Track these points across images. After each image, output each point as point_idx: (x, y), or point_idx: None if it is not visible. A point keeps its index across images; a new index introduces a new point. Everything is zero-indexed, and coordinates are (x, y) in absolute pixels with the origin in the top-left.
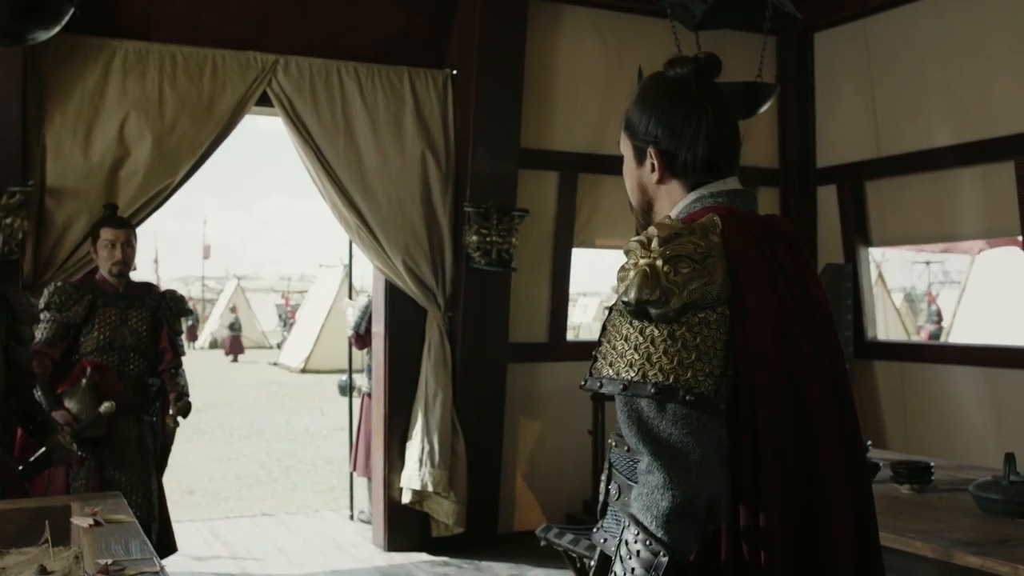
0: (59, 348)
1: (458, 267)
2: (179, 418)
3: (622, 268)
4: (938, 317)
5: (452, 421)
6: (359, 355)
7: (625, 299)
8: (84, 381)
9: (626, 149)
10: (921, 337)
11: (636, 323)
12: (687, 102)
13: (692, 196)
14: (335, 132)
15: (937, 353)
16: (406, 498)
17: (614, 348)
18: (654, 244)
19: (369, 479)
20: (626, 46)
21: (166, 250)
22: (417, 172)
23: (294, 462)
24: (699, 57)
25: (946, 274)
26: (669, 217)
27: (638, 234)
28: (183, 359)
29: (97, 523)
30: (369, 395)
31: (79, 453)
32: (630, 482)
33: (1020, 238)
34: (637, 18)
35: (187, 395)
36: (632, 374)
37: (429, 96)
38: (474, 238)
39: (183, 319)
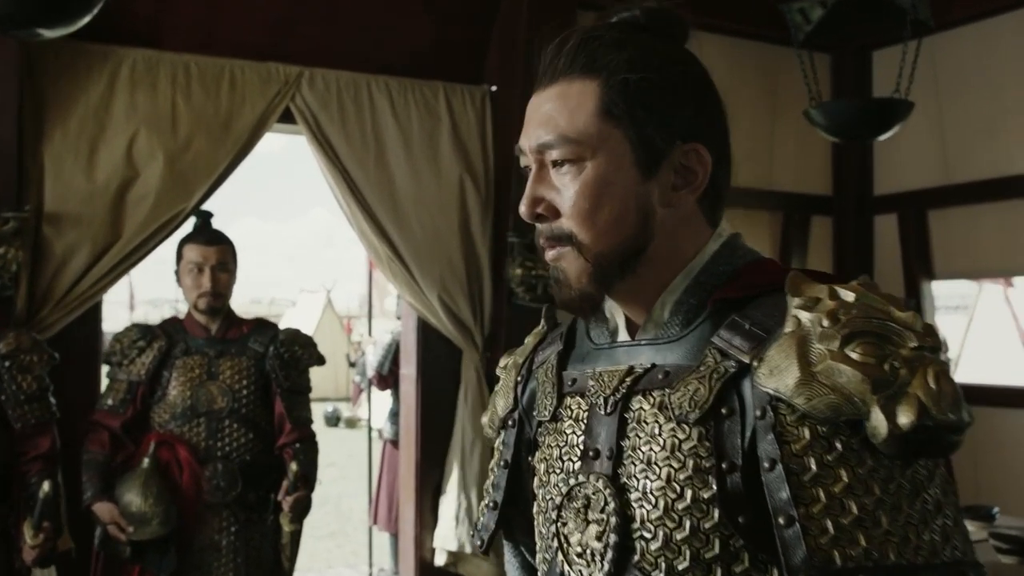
0: (122, 416)
1: (498, 303)
2: (292, 520)
3: (859, 364)
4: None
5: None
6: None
7: (925, 422)
8: (146, 462)
9: (605, 143)
10: None
11: (900, 465)
12: (711, 83)
13: (723, 237)
14: (364, 153)
15: (1010, 397)
16: (439, 559)
17: (871, 514)
18: (916, 323)
19: (393, 535)
20: None
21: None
22: (455, 198)
23: None
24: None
25: (945, 298)
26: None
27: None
28: (313, 430)
29: None
30: (393, 442)
31: (131, 561)
32: None
33: None
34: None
35: (303, 487)
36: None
37: (467, 114)
38: (518, 271)
39: (306, 371)
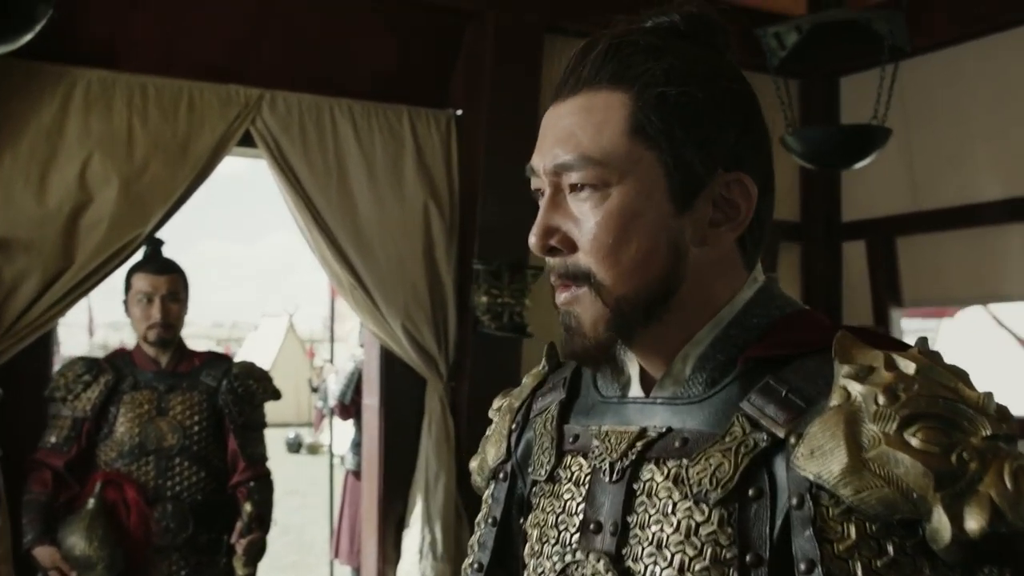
0: (66, 455)
1: (463, 331)
2: (245, 564)
3: (920, 452)
4: None
5: (456, 507)
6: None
7: (999, 528)
8: (91, 503)
9: (635, 166)
10: None
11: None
12: (757, 102)
13: (758, 283)
14: (327, 178)
15: None
16: None
17: None
18: (989, 405)
19: (355, 569)
20: None
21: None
22: (419, 224)
23: None
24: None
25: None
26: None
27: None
28: (269, 468)
29: None
30: (355, 473)
31: None
32: None
33: None
34: None
35: (257, 528)
36: None
37: (431, 139)
38: (483, 299)
39: (261, 406)
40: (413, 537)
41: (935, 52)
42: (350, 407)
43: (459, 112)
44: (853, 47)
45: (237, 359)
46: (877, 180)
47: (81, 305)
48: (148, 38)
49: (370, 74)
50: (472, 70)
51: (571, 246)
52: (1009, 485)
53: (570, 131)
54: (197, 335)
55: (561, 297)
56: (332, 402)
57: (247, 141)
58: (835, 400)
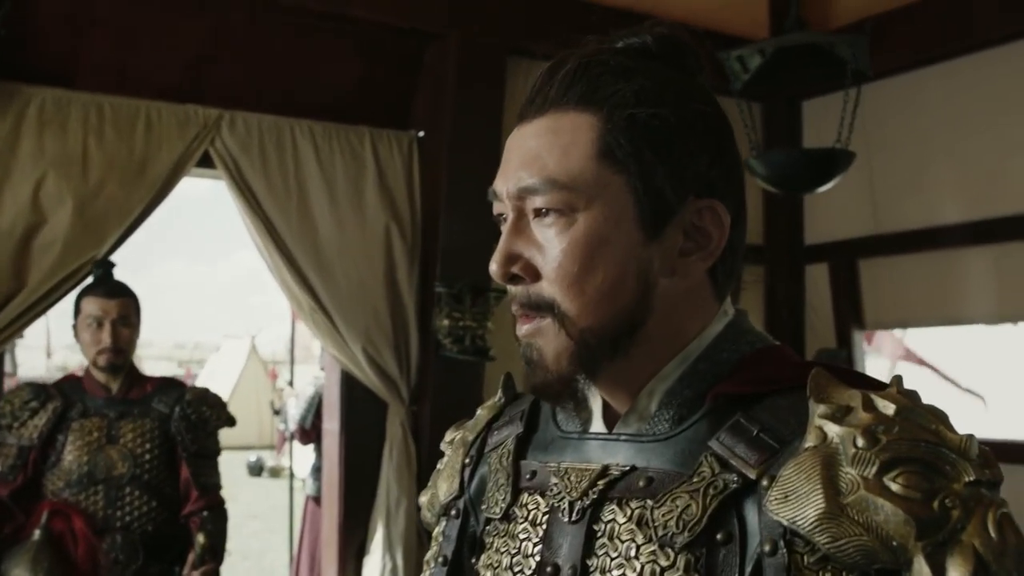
0: (11, 484)
1: (425, 355)
2: None
3: (901, 499)
4: None
5: (418, 533)
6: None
7: None
8: (37, 533)
9: (603, 191)
10: None
11: None
12: (730, 127)
13: (728, 316)
14: (287, 200)
15: None
16: None
17: None
18: (972, 449)
19: None
20: None
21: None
22: (380, 247)
23: None
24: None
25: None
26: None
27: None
28: (222, 496)
29: None
30: (315, 499)
31: None
32: None
33: None
34: None
35: (210, 560)
36: None
37: (393, 160)
38: (445, 322)
39: (215, 433)
40: (374, 564)
41: (895, 76)
42: (310, 431)
43: (421, 133)
44: (816, 71)
45: (199, 381)
46: (839, 203)
47: (39, 327)
48: (105, 56)
49: (331, 95)
50: (434, 91)
51: (534, 274)
52: (993, 534)
53: (535, 153)
54: (159, 356)
55: (523, 329)
56: (292, 426)
57: (206, 162)
58: (810, 441)
